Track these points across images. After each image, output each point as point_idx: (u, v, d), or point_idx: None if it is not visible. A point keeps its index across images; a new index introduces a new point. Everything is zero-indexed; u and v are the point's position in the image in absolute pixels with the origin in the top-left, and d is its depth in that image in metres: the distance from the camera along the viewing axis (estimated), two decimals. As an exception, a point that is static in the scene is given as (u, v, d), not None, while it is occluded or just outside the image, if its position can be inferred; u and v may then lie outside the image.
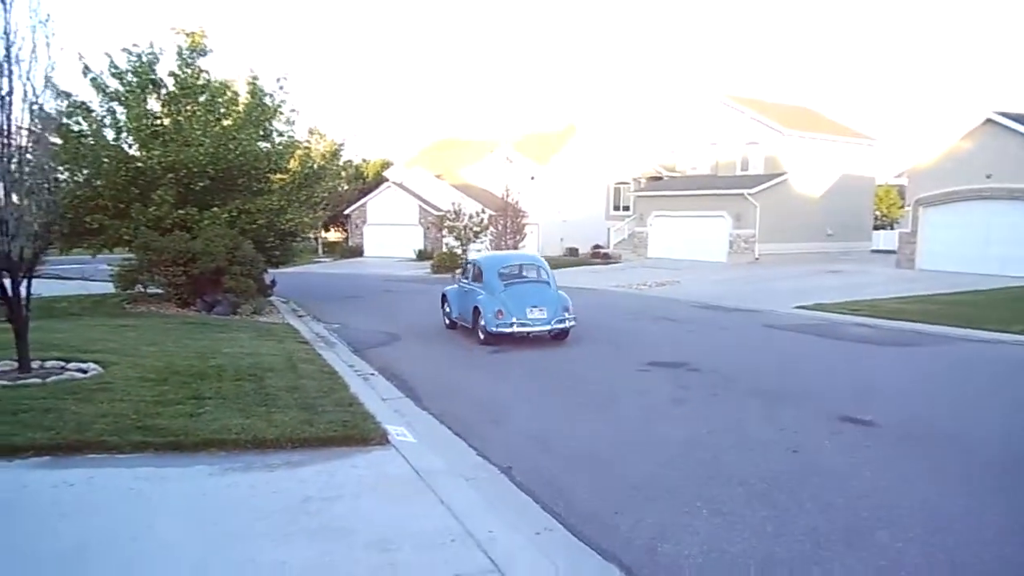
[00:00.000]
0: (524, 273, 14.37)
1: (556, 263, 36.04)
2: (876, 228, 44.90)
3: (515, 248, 36.69)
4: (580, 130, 49.64)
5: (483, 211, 37.92)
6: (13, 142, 8.16)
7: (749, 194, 32.98)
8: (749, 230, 33.52)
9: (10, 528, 4.45)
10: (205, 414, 6.73)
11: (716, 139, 36.77)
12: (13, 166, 8.14)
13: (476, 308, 13.54)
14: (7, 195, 8.12)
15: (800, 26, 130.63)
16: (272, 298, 20.00)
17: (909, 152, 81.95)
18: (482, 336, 13.30)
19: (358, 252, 50.64)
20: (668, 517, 5.15)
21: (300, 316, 18.02)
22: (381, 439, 6.53)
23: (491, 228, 36.70)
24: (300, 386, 8.29)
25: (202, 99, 19.08)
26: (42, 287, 19.67)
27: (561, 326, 13.32)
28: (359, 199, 51.87)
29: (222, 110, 19.68)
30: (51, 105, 17.35)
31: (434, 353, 12.94)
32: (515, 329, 12.97)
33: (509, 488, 5.80)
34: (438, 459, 6.34)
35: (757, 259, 33.04)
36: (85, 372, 8.29)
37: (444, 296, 15.80)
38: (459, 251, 36.59)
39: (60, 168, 17.94)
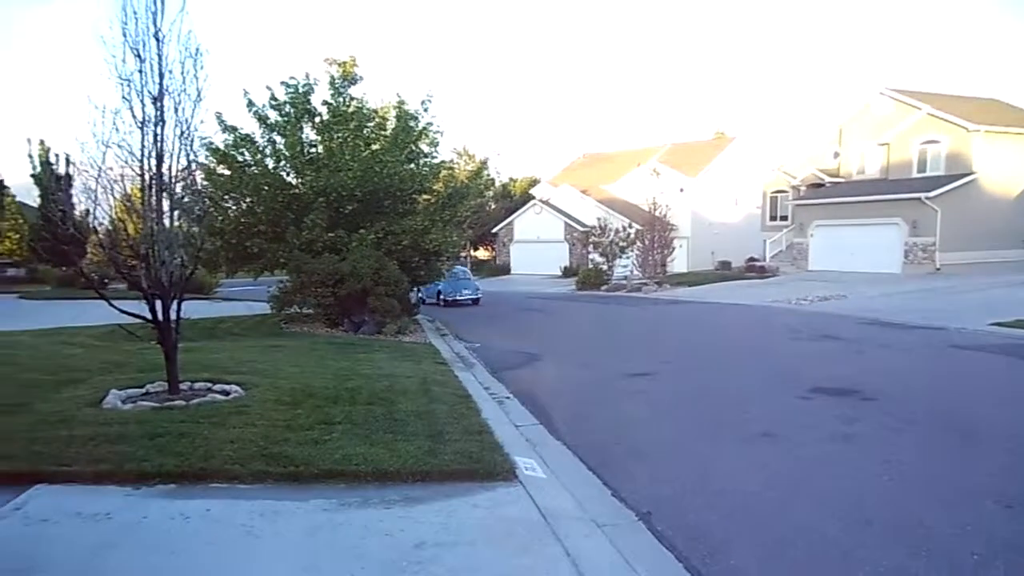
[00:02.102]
0: (459, 277, 28.93)
1: (702, 278, 34.43)
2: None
3: (663, 264, 35.67)
4: (731, 138, 47.46)
5: (629, 226, 36.95)
6: (165, 171, 8.51)
7: (927, 198, 29.73)
8: (928, 238, 30.22)
9: (120, 565, 4.32)
10: (331, 441, 6.52)
11: (886, 139, 33.64)
12: (166, 191, 8.48)
13: (439, 291, 28.22)
14: (159, 220, 8.45)
15: (983, 11, 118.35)
16: (417, 317, 20.28)
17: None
18: (443, 304, 27.91)
19: (505, 270, 51.16)
20: (845, 593, 4.19)
21: (443, 335, 18.06)
22: (508, 474, 6.00)
23: (637, 243, 35.65)
24: (430, 411, 7.96)
25: (352, 125, 19.78)
26: (212, 308, 21.41)
27: (476, 296, 28.73)
28: (506, 217, 52.50)
29: (371, 135, 20.34)
30: (220, 139, 18.85)
31: (573, 376, 12.31)
32: (457, 298, 28.23)
33: (647, 540, 5.04)
34: (568, 500, 5.70)
35: (938, 269, 29.69)
36: (227, 395, 8.43)
37: (417, 289, 26.02)
38: (604, 267, 35.80)
39: (226, 197, 19.34)
